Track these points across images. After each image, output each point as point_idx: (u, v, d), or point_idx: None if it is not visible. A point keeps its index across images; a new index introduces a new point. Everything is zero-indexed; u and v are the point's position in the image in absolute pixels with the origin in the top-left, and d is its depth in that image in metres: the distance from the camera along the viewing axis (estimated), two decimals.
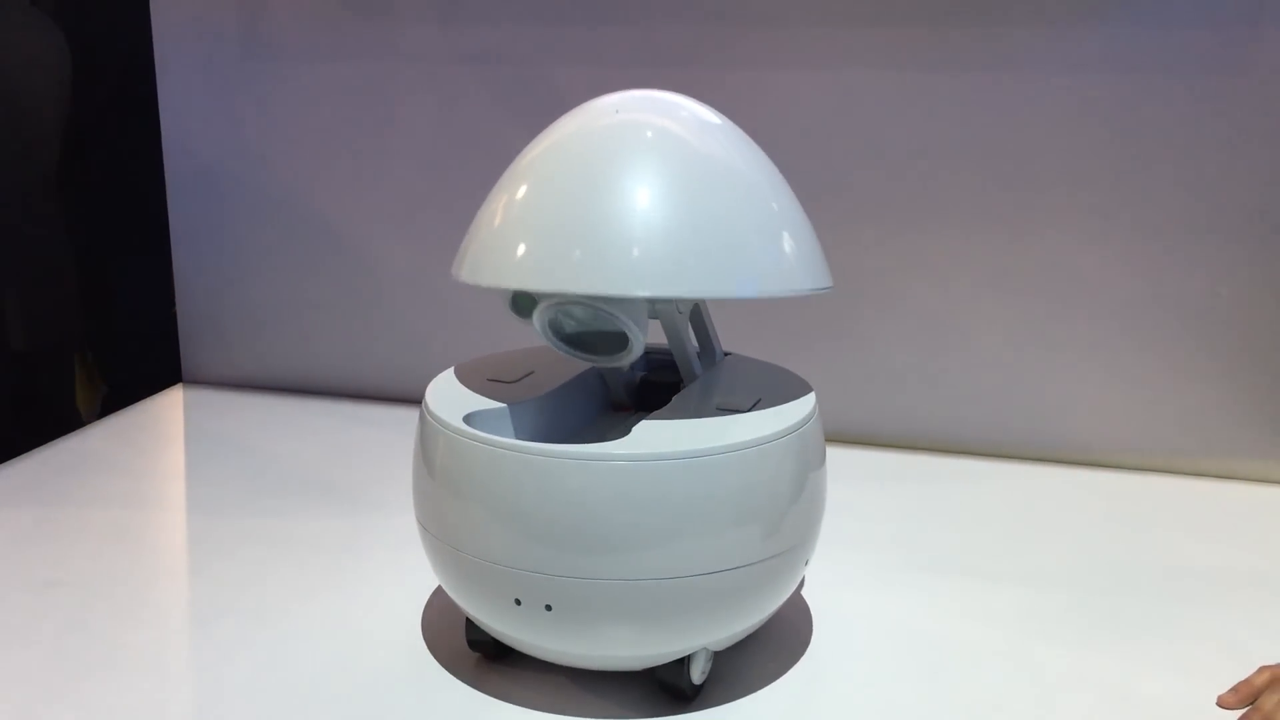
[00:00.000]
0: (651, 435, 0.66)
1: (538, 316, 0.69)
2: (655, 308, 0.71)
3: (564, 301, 0.67)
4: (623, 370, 0.79)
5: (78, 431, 1.15)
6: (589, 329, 0.71)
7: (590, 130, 0.68)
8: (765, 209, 0.68)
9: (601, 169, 0.66)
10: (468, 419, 0.67)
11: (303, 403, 1.24)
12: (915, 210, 1.06)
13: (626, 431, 0.66)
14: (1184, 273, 1.02)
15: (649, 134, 0.67)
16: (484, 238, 0.68)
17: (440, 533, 0.68)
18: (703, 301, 0.75)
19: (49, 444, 1.10)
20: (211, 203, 1.24)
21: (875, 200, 1.07)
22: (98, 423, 1.19)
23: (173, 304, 1.29)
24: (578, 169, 0.67)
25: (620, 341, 0.69)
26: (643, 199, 0.65)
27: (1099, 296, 1.04)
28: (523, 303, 0.70)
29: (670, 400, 0.71)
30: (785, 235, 0.68)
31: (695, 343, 0.77)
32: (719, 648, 0.69)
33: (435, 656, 0.74)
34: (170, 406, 1.24)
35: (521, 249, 0.66)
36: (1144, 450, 1.06)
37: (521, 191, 0.67)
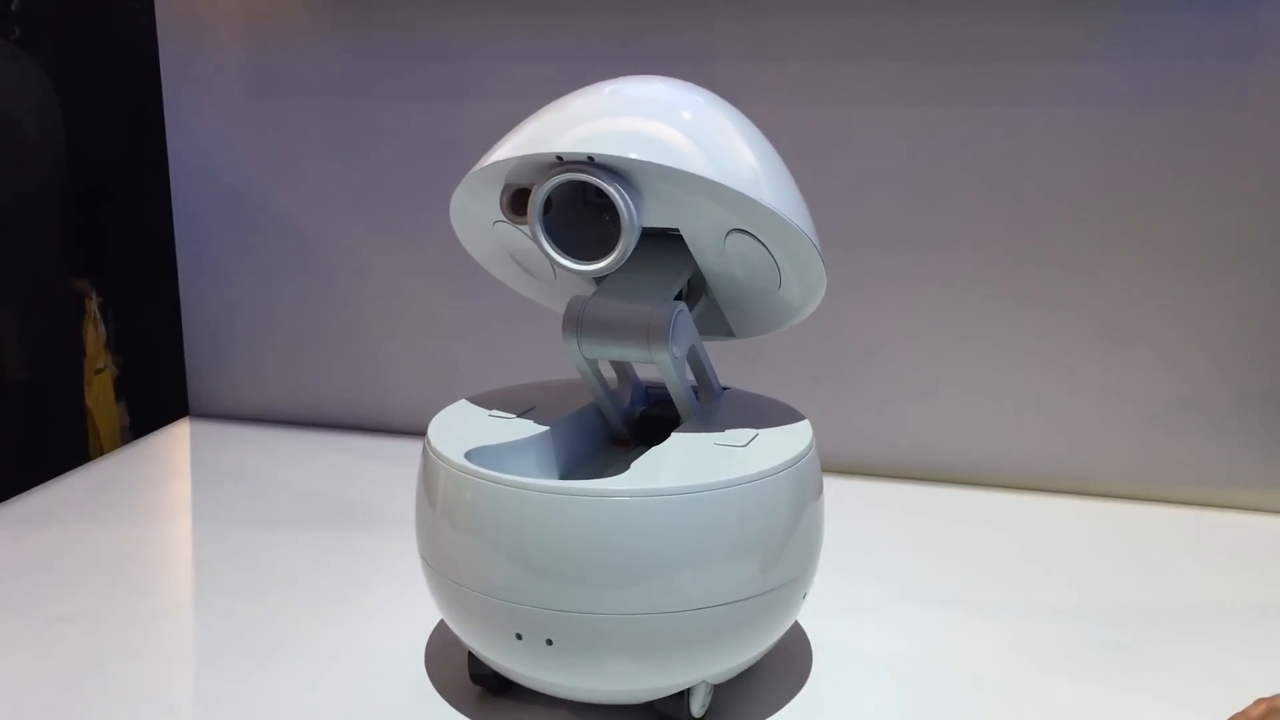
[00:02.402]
0: (650, 470, 0.66)
1: (533, 198, 0.67)
2: (652, 352, 0.71)
3: (558, 172, 0.66)
4: (622, 404, 0.80)
5: (84, 466, 1.16)
6: (583, 233, 0.70)
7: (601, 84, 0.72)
8: (769, 151, 0.71)
9: (605, 87, 0.71)
10: (469, 455, 0.68)
11: (310, 436, 1.25)
12: (913, 240, 1.08)
13: (626, 467, 0.67)
14: (1183, 301, 1.03)
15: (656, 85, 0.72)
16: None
17: (442, 567, 0.69)
18: (699, 341, 0.76)
19: (55, 479, 1.11)
20: (219, 238, 1.26)
21: (873, 231, 1.08)
22: (104, 457, 1.20)
23: (180, 338, 1.30)
24: (582, 94, 0.71)
25: (613, 241, 0.68)
26: (645, 102, 0.70)
27: (1098, 325, 1.05)
28: (519, 204, 0.70)
29: (669, 435, 0.72)
30: (784, 172, 0.71)
31: (693, 379, 0.78)
32: (719, 680, 0.70)
33: (438, 689, 0.74)
34: (177, 440, 1.25)
35: (517, 135, 0.69)
36: (1143, 480, 1.07)
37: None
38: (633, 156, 0.65)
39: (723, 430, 0.72)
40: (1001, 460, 1.10)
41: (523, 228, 0.70)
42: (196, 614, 0.87)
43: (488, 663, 0.70)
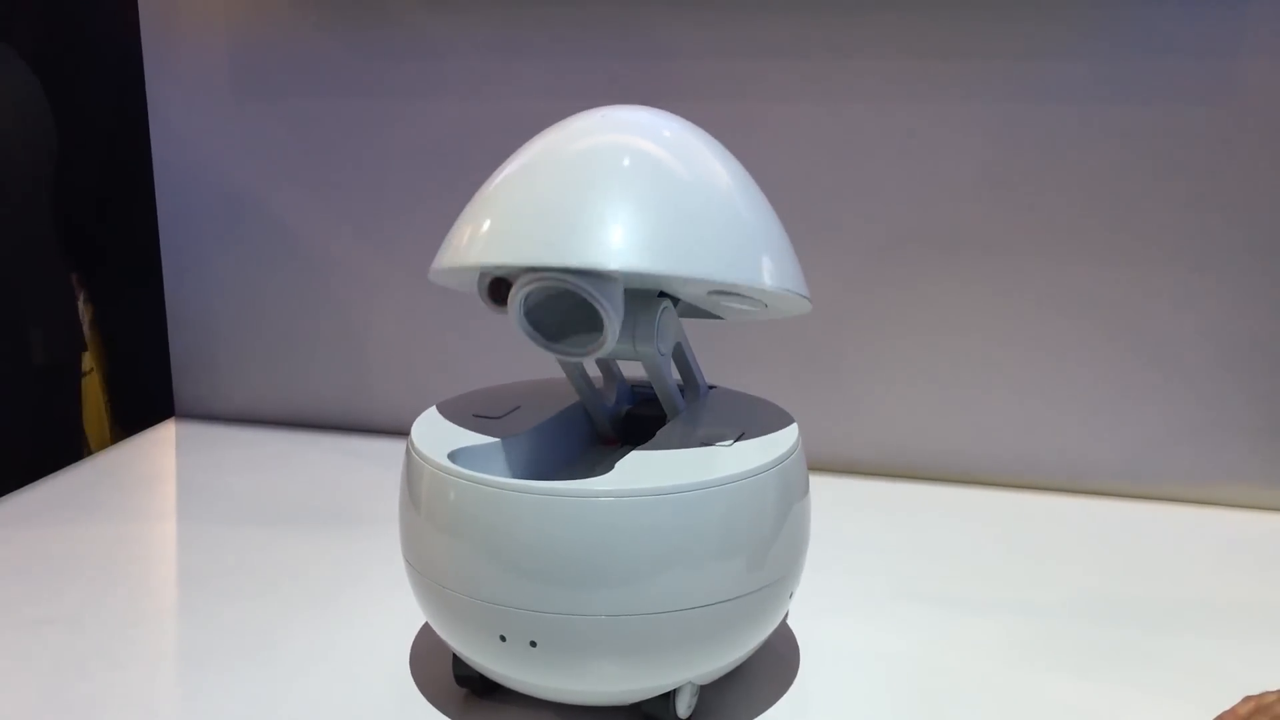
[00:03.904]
0: (635, 470, 0.66)
1: (513, 299, 0.66)
2: (637, 348, 0.71)
3: (538, 279, 0.64)
4: (608, 403, 0.80)
5: (69, 467, 1.15)
6: (567, 319, 0.69)
7: (570, 139, 0.68)
8: (747, 207, 0.68)
9: (580, 161, 0.67)
10: (452, 455, 0.68)
11: (295, 436, 1.24)
12: (904, 238, 1.07)
13: (611, 466, 0.66)
14: (1178, 298, 1.02)
15: (630, 144, 0.67)
16: (454, 230, 0.68)
17: (425, 569, 0.68)
18: (685, 338, 0.76)
19: (40, 480, 1.10)
20: (203, 238, 1.25)
21: (862, 231, 1.08)
22: (89, 458, 1.19)
23: (165, 338, 1.30)
24: (556, 165, 0.67)
25: (596, 326, 0.66)
26: (620, 185, 0.65)
27: (1088, 324, 1.05)
28: (499, 291, 0.69)
29: (655, 434, 0.71)
30: (766, 235, 0.68)
31: (679, 377, 0.78)
32: (705, 681, 0.69)
33: (422, 692, 0.74)
34: (162, 441, 1.24)
35: (488, 228, 0.66)
36: (1132, 478, 1.06)
37: (494, 186, 0.68)
38: (613, 268, 0.63)
39: (708, 429, 0.72)
40: (991, 459, 1.09)
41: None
42: (181, 616, 0.86)
43: (472, 665, 0.70)
